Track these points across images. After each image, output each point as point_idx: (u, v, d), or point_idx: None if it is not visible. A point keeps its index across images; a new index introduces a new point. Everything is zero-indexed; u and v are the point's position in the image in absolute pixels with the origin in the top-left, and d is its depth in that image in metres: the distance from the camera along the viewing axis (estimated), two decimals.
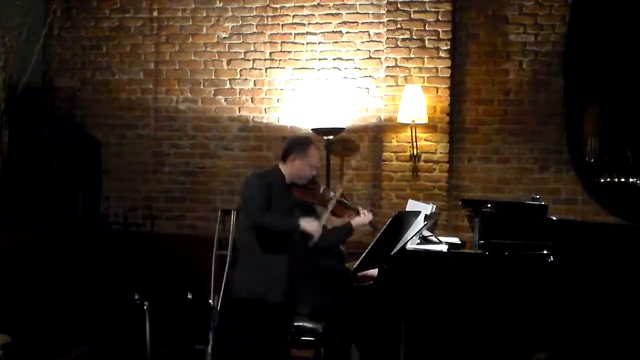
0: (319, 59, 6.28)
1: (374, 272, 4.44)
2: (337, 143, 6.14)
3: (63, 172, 6.06)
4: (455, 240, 5.18)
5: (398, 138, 6.01)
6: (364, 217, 4.56)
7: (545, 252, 4.20)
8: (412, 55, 6.02)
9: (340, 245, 5.05)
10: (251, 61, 6.41)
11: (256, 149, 6.39)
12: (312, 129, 6.05)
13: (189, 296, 4.58)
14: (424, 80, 5.99)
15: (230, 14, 6.44)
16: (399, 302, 4.25)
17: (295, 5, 6.32)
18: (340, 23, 6.25)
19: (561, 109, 5.97)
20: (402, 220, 4.41)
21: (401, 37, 6.02)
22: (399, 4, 6.03)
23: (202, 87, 6.49)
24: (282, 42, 6.36)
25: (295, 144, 4.41)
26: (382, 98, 6.11)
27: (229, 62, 6.45)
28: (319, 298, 4.72)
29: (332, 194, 4.54)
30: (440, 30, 5.99)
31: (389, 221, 4.34)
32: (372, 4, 6.17)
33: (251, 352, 4.23)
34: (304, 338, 4.70)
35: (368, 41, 6.20)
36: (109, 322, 5.68)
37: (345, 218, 4.64)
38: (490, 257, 4.30)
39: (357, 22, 6.22)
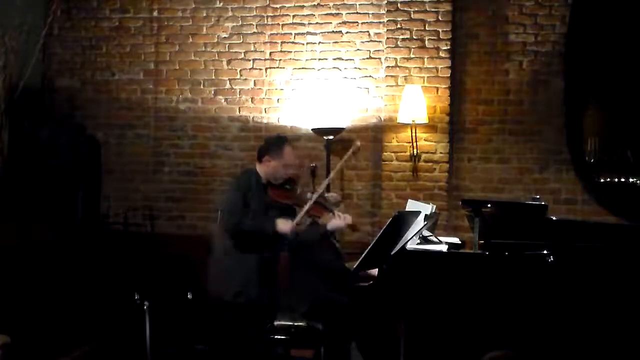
0: (319, 59, 6.28)
1: (374, 272, 4.45)
2: (337, 143, 6.14)
3: (63, 172, 6.06)
4: (455, 240, 5.19)
5: (398, 138, 6.02)
6: (338, 220, 4.48)
7: (545, 252, 4.21)
8: (412, 55, 6.02)
9: (337, 244, 5.05)
10: (251, 61, 6.41)
11: (256, 149, 6.35)
12: (312, 129, 6.05)
13: (189, 296, 4.58)
14: (424, 80, 5.98)
15: (230, 14, 6.44)
16: (398, 302, 4.25)
17: (295, 5, 6.31)
18: (340, 23, 6.25)
19: (561, 109, 5.97)
20: (402, 220, 4.41)
21: (401, 37, 6.02)
22: (399, 4, 6.03)
23: (202, 87, 6.49)
24: (282, 42, 6.36)
25: (270, 144, 4.41)
26: (382, 98, 6.11)
27: (229, 62, 6.45)
28: (317, 296, 4.72)
29: (309, 194, 4.46)
30: (440, 30, 5.98)
31: (389, 221, 4.34)
32: (372, 4, 6.17)
33: (232, 351, 4.22)
34: (304, 338, 4.70)
35: (368, 41, 6.20)
36: (109, 322, 5.68)
37: (322, 219, 4.57)
38: (490, 257, 4.30)
39: (357, 22, 6.22)
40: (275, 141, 4.46)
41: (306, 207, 4.38)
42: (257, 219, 4.23)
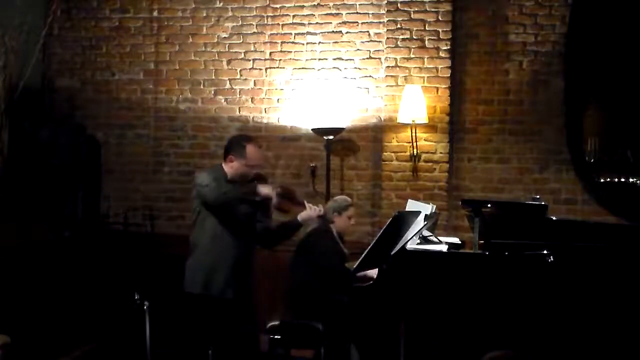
0: (319, 59, 6.28)
1: (374, 272, 4.45)
2: (337, 143, 6.14)
3: (63, 172, 6.06)
4: (455, 240, 5.19)
5: (398, 138, 6.01)
6: (309, 211, 4.45)
7: (545, 252, 4.21)
8: (412, 55, 6.01)
9: (343, 245, 5.05)
10: (251, 61, 6.41)
11: None
12: (312, 129, 6.05)
13: None
14: (424, 80, 5.98)
15: (230, 14, 6.44)
16: (398, 302, 4.25)
17: (295, 5, 6.31)
18: (340, 23, 6.24)
19: (561, 109, 5.97)
20: (402, 220, 4.41)
21: (401, 37, 6.02)
22: (399, 4, 6.03)
23: (202, 87, 6.49)
24: (282, 42, 6.35)
25: (233, 144, 4.33)
26: (382, 98, 6.11)
27: (229, 62, 6.45)
28: (317, 297, 4.72)
29: (278, 189, 4.36)
30: (440, 30, 5.98)
31: (389, 221, 4.34)
32: (372, 4, 6.17)
33: (203, 345, 4.23)
34: (304, 338, 4.70)
35: (368, 41, 6.20)
36: (109, 322, 5.68)
37: (292, 212, 4.52)
38: (490, 257, 4.30)
39: (357, 22, 6.21)
40: (238, 141, 4.35)
41: (273, 202, 4.30)
42: (237, 188, 4.21)
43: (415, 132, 5.93)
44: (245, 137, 4.45)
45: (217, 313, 4.18)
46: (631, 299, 4.19)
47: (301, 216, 4.46)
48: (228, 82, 6.44)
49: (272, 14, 6.36)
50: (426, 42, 5.99)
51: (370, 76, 6.19)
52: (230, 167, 4.28)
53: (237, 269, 4.27)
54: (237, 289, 4.27)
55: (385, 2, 6.07)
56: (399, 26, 6.02)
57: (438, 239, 4.83)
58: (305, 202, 4.48)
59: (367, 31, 6.19)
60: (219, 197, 4.14)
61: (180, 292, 4.37)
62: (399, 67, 6.03)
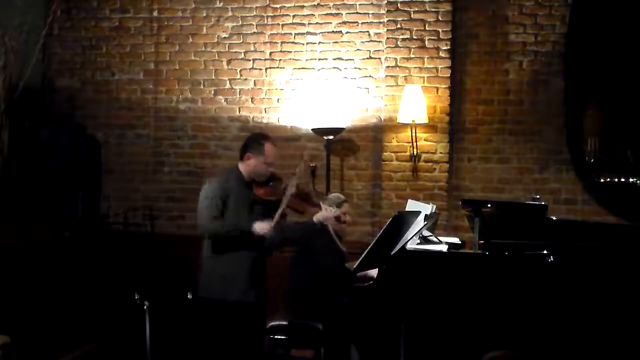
0: (319, 59, 6.28)
1: (374, 272, 4.45)
2: (337, 143, 6.14)
3: (63, 173, 6.06)
4: (455, 240, 5.19)
5: (398, 138, 6.01)
6: (325, 212, 4.49)
7: (545, 252, 4.21)
8: (412, 55, 6.02)
9: (341, 245, 5.05)
10: (251, 61, 6.41)
11: None
12: (312, 129, 6.05)
13: (189, 296, 4.60)
14: (424, 80, 5.98)
15: (230, 14, 6.44)
16: (398, 302, 4.25)
17: (295, 5, 6.31)
18: (340, 23, 6.25)
19: (561, 109, 5.97)
20: (402, 220, 4.41)
21: (401, 37, 6.02)
22: (399, 4, 6.03)
23: (202, 87, 6.49)
24: (282, 42, 6.36)
25: (250, 142, 4.36)
26: (382, 98, 6.11)
27: (229, 62, 6.45)
28: (317, 296, 4.73)
29: (293, 189, 4.36)
30: (440, 30, 5.98)
31: (389, 221, 4.34)
32: (372, 4, 6.17)
33: (216, 350, 4.22)
34: (304, 338, 4.71)
35: (368, 41, 6.20)
36: (109, 322, 5.68)
37: (308, 213, 4.54)
38: (490, 257, 4.30)
39: (357, 22, 6.22)
40: (255, 139, 4.40)
41: (285, 202, 4.27)
42: (231, 224, 4.19)
43: (415, 132, 5.93)
44: (263, 135, 4.50)
45: (240, 317, 4.17)
46: (631, 299, 4.19)
47: (317, 217, 4.49)
48: (228, 82, 6.45)
49: (272, 14, 6.36)
50: (426, 42, 5.99)
51: (370, 76, 6.19)
52: (247, 165, 4.30)
53: (255, 271, 4.26)
54: (259, 292, 4.28)
55: (385, 2, 6.07)
56: (399, 26, 6.03)
57: (438, 239, 4.83)
58: (321, 203, 4.49)
59: (367, 31, 6.19)
60: (205, 231, 4.18)
61: (186, 295, 4.35)
62: (399, 67, 6.03)
